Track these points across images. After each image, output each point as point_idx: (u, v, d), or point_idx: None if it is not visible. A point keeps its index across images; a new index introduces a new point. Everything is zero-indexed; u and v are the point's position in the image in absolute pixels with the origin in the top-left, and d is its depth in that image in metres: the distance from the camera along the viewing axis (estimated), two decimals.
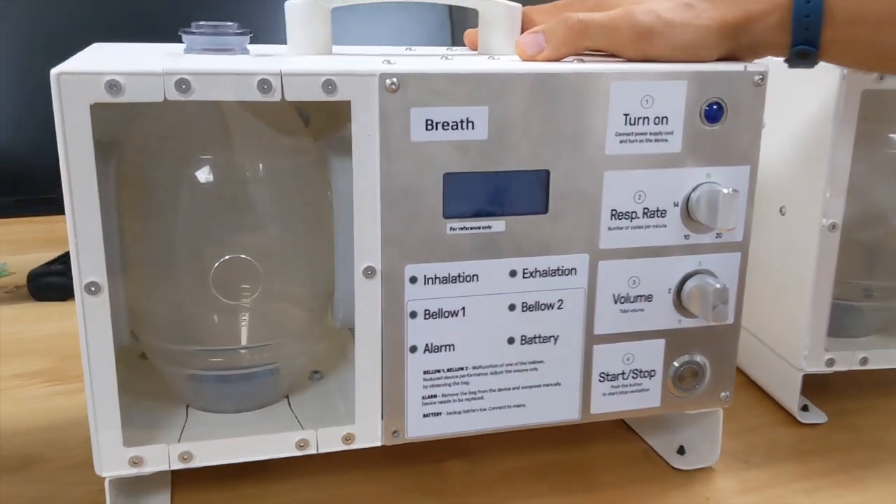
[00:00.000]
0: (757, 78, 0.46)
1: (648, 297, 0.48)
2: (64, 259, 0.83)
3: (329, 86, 0.40)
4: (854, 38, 0.45)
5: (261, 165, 0.46)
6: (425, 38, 0.95)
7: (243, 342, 0.49)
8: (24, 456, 0.53)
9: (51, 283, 0.79)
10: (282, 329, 0.50)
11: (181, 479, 0.49)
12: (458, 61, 0.45)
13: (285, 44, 0.48)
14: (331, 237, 0.47)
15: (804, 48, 0.45)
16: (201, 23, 0.47)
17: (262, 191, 0.47)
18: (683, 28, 0.45)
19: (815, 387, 0.59)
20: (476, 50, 0.53)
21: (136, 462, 0.43)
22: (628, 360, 0.49)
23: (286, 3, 0.48)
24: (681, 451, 0.54)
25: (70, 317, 0.77)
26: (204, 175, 0.45)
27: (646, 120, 0.45)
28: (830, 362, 0.57)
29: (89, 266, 0.40)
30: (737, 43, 0.46)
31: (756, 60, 0.47)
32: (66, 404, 0.59)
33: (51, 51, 0.75)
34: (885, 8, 0.44)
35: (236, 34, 0.46)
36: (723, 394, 0.51)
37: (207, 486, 0.49)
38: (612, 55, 0.47)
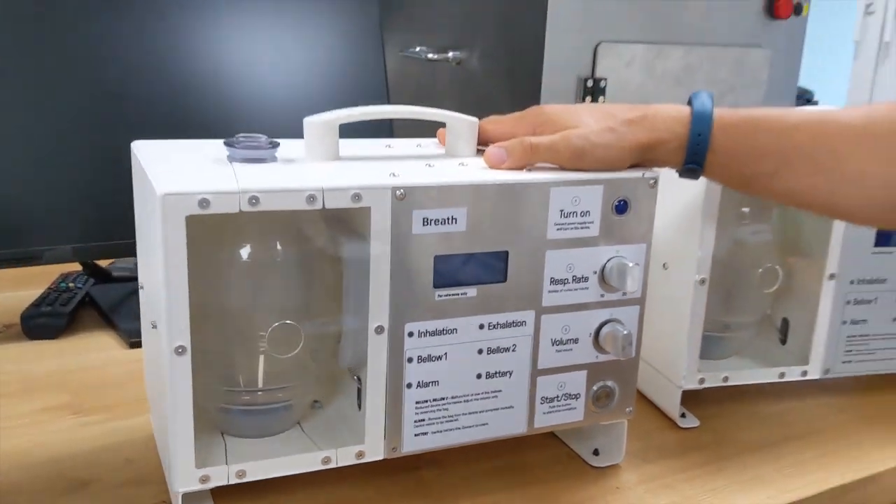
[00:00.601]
0: (651, 181, 0.64)
1: (575, 340, 0.65)
2: (51, 299, 0.93)
3: (356, 197, 0.55)
4: (727, 165, 0.63)
5: (295, 249, 0.61)
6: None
7: (270, 385, 0.63)
8: (78, 479, 0.65)
9: (43, 323, 0.89)
10: (297, 374, 0.64)
11: (218, 492, 0.63)
12: (442, 170, 0.61)
13: None
14: (336, 302, 0.61)
15: (692, 167, 0.63)
16: (241, 137, 0.60)
17: (295, 269, 0.61)
18: (607, 149, 0.62)
19: (690, 399, 0.78)
20: (444, 146, 0.69)
21: (204, 479, 0.56)
22: (561, 386, 0.66)
23: (305, 120, 0.62)
24: (595, 452, 0.72)
25: (65, 353, 0.87)
26: (257, 256, 0.59)
27: (574, 213, 0.62)
28: (701, 380, 0.77)
29: (178, 333, 0.53)
30: (644, 157, 0.63)
31: (656, 169, 0.65)
32: (97, 433, 0.71)
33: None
34: (749, 150, 0.62)
35: (269, 147, 0.60)
36: (627, 409, 0.69)
37: (239, 496, 0.63)
38: (555, 167, 0.64)
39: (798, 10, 1.17)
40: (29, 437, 0.70)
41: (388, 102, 1.01)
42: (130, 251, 0.93)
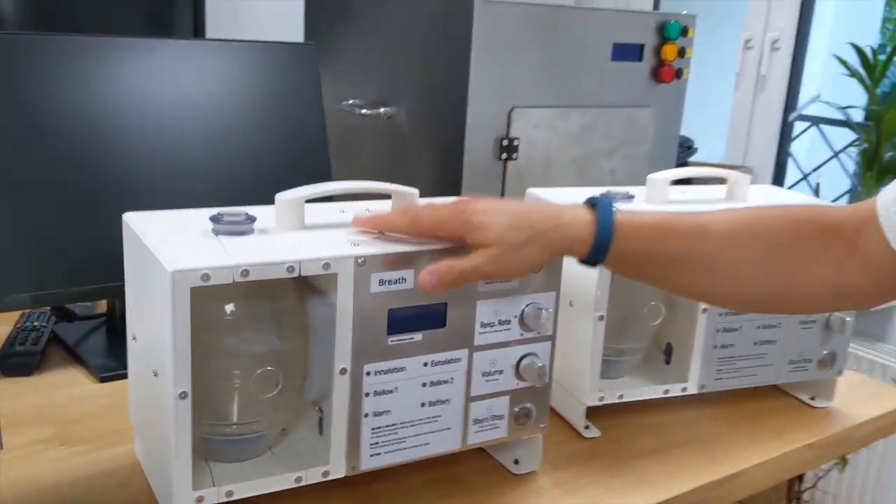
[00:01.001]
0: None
1: (501, 371, 0.80)
2: (21, 338, 1.02)
3: (326, 266, 0.68)
4: (623, 264, 0.76)
5: (268, 306, 0.73)
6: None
7: (248, 418, 0.75)
8: (88, 500, 0.75)
9: (18, 362, 0.98)
10: (269, 408, 0.76)
11: None
12: (391, 238, 0.74)
13: None
14: (301, 347, 0.74)
15: (592, 263, 0.75)
16: (225, 216, 0.72)
17: (269, 322, 0.73)
18: (521, 266, 0.73)
19: (593, 413, 0.94)
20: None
21: (199, 500, 0.68)
22: (489, 409, 0.80)
23: (276, 196, 0.75)
24: (516, 462, 0.86)
25: (41, 389, 0.96)
26: (237, 312, 0.71)
27: None
28: (601, 398, 0.92)
29: (182, 382, 0.65)
30: (553, 257, 0.77)
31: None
32: (87, 461, 0.81)
33: None
34: (642, 255, 0.75)
35: (247, 223, 0.72)
36: (542, 425, 0.84)
37: None
38: None
39: (679, 74, 1.35)
40: (26, 467, 0.80)
41: (327, 152, 1.14)
42: (87, 297, 1.03)
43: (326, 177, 1.13)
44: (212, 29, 1.81)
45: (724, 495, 0.89)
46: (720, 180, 1.02)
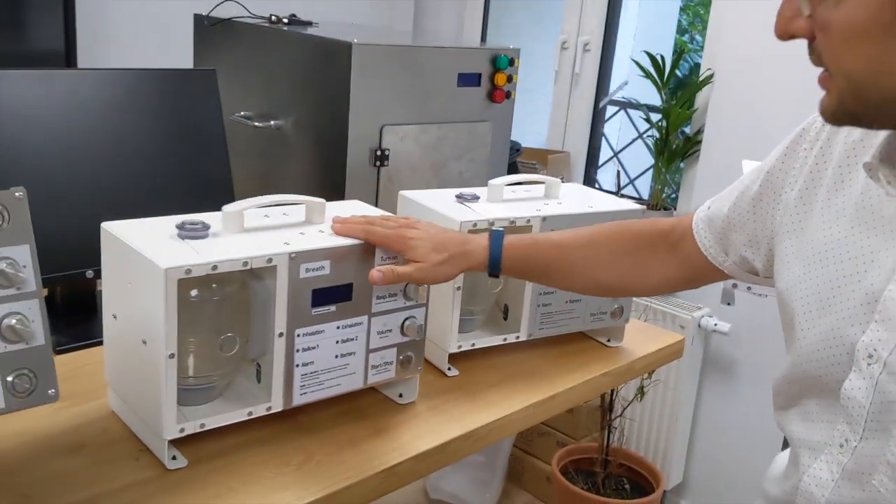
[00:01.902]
0: None
1: (390, 330, 1.10)
2: None
3: (269, 260, 0.96)
4: (513, 272, 1.10)
5: (222, 291, 0.99)
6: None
7: (209, 372, 1.01)
8: (72, 444, 0.99)
9: None
10: (224, 364, 1.03)
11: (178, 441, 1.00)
12: (311, 237, 1.02)
13: None
14: (244, 319, 1.01)
15: (492, 275, 1.09)
16: (187, 224, 0.98)
17: (229, 302, 1.00)
18: (438, 278, 1.06)
19: (454, 358, 1.26)
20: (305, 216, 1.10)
21: (181, 430, 0.95)
22: (382, 358, 1.10)
23: (224, 208, 1.01)
24: (400, 395, 1.17)
25: None
26: (200, 295, 0.97)
27: (388, 255, 1.06)
28: (459, 346, 1.25)
29: (171, 345, 0.91)
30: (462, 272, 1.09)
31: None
32: (70, 415, 1.04)
33: None
34: (524, 266, 1.09)
35: (204, 229, 0.98)
36: (419, 367, 1.15)
37: (195, 441, 1.00)
38: None
39: (508, 95, 1.69)
40: (20, 422, 1.02)
41: (229, 165, 1.38)
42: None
43: (229, 185, 1.38)
44: (82, 59, 1.93)
45: (545, 411, 1.25)
46: (540, 182, 1.36)
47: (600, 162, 3.06)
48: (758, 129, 2.27)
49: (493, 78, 1.69)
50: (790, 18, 0.71)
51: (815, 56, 0.71)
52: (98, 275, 1.23)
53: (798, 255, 0.85)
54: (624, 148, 3.07)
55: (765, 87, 2.26)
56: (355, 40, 1.45)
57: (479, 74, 1.66)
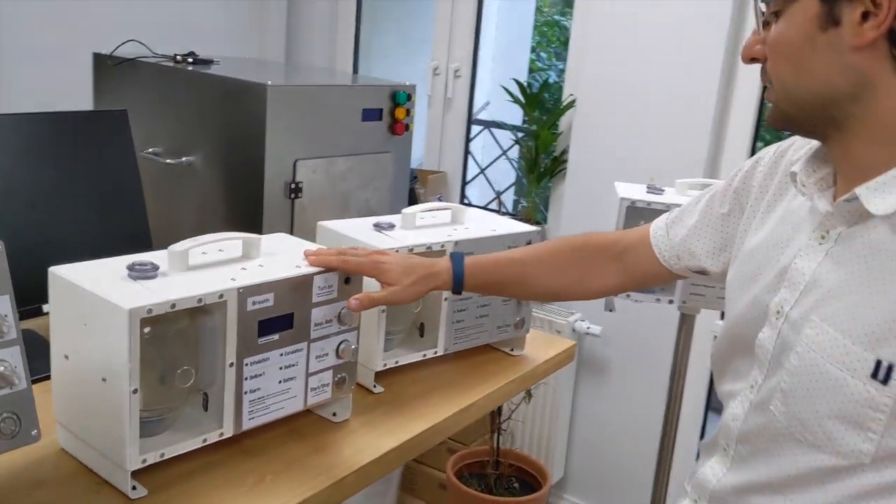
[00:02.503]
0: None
1: (327, 354, 1.18)
2: None
3: (220, 296, 1.02)
4: (475, 289, 1.25)
5: (173, 327, 1.05)
6: None
7: (162, 404, 1.06)
8: (35, 479, 1.01)
9: None
10: (175, 396, 1.08)
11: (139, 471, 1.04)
12: (254, 271, 1.09)
13: None
14: (193, 352, 1.07)
15: (456, 291, 1.21)
16: (136, 265, 1.03)
17: (180, 337, 1.05)
18: (408, 298, 1.17)
19: (379, 376, 1.36)
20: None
21: (143, 461, 1.00)
22: (320, 380, 1.19)
23: (169, 247, 1.07)
24: (334, 414, 1.25)
25: None
26: (153, 333, 1.02)
27: (325, 287, 1.15)
28: (385, 364, 1.34)
29: (134, 381, 0.96)
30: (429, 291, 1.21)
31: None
32: (23, 451, 1.06)
33: None
34: (483, 282, 1.23)
35: (154, 269, 1.04)
36: (352, 387, 1.24)
37: (150, 470, 1.05)
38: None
39: (407, 127, 1.81)
40: None
41: (143, 202, 1.42)
42: None
43: (145, 224, 1.41)
44: None
45: (467, 417, 1.37)
46: (446, 208, 1.49)
47: (468, 178, 3.23)
48: (618, 149, 2.49)
49: (394, 112, 1.81)
50: (751, 46, 0.92)
51: (765, 76, 0.92)
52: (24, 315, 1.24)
53: (741, 252, 1.07)
54: (490, 164, 3.25)
55: (623, 111, 2.49)
56: (270, 82, 1.52)
57: (381, 109, 1.78)
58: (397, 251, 1.28)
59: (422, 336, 1.44)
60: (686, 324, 1.83)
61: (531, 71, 4.84)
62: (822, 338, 0.87)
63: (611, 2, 2.46)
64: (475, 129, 3.17)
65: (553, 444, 2.71)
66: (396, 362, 1.37)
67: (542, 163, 2.71)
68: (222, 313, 1.05)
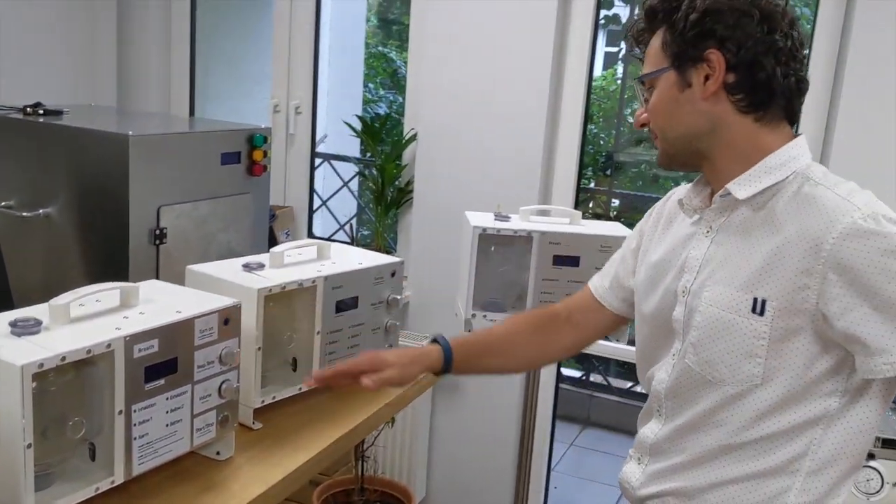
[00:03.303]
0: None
1: (210, 395, 1.22)
2: None
3: (108, 346, 1.04)
4: (461, 370, 1.37)
5: (58, 380, 1.05)
6: None
7: (48, 458, 1.06)
8: None
9: None
10: (64, 449, 1.08)
11: None
12: (135, 319, 1.12)
13: None
14: (79, 405, 1.08)
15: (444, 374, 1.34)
16: (19, 322, 1.03)
17: (66, 389, 1.06)
18: (406, 382, 1.34)
19: (258, 412, 1.40)
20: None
21: None
22: (205, 420, 1.22)
23: (50, 302, 1.07)
24: (218, 453, 1.28)
25: None
26: (38, 388, 1.03)
27: (206, 330, 1.19)
28: (262, 401, 1.38)
29: (28, 435, 0.96)
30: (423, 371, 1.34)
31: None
32: None
33: None
34: (467, 363, 1.36)
35: (36, 325, 1.04)
36: (235, 425, 1.28)
37: None
38: None
39: (264, 169, 1.86)
40: None
41: (2, 258, 1.39)
42: None
43: (4, 278, 1.39)
44: None
45: (348, 443, 1.44)
46: (312, 244, 1.55)
47: (314, 207, 3.29)
48: (461, 179, 2.64)
49: (251, 154, 1.85)
50: (639, 116, 1.23)
51: (652, 132, 1.22)
52: None
53: (644, 264, 1.32)
54: (332, 196, 3.32)
55: (463, 142, 2.64)
56: (131, 132, 1.53)
57: (239, 152, 1.82)
58: (270, 290, 1.34)
59: (294, 370, 1.50)
60: None
61: (364, 102, 4.97)
62: (715, 295, 1.15)
63: (441, 38, 2.62)
64: (315, 161, 3.23)
65: (414, 465, 2.80)
66: (274, 398, 1.42)
67: (388, 194, 2.82)
68: (108, 363, 1.07)
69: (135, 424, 1.11)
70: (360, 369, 1.27)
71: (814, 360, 1.09)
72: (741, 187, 1.16)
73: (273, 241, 2.41)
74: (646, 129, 1.23)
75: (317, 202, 3.27)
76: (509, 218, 1.87)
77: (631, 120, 3.50)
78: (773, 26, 1.12)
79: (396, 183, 2.85)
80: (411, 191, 2.80)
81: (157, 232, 1.61)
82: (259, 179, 1.90)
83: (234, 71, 3.59)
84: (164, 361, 1.14)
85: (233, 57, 3.57)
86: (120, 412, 1.08)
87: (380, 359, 1.30)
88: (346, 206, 3.42)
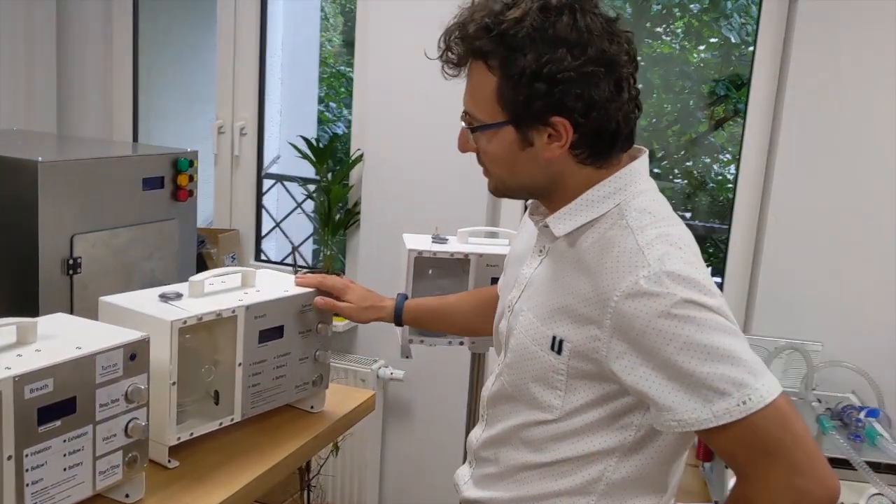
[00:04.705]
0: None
1: (115, 435, 1.15)
2: None
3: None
4: (412, 323, 1.56)
5: None
6: None
7: None
8: None
9: None
10: None
11: None
12: (33, 356, 1.05)
13: None
14: None
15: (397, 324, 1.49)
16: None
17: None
18: (361, 318, 1.52)
19: (175, 450, 1.33)
20: None
21: None
22: (109, 462, 1.15)
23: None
24: (127, 496, 1.21)
25: None
26: None
27: (109, 366, 1.12)
28: (179, 438, 1.32)
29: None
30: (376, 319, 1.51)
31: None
32: None
33: None
34: (418, 320, 1.49)
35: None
36: (144, 464, 1.21)
37: None
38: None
39: (191, 194, 1.80)
40: None
41: None
42: None
43: None
44: None
45: (269, 480, 1.37)
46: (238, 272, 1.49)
47: (263, 233, 3.22)
48: (406, 200, 2.60)
49: (176, 179, 1.78)
50: (465, 142, 1.18)
51: (483, 165, 1.19)
52: None
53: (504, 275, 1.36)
54: (284, 218, 3.25)
55: (409, 163, 2.60)
56: (40, 158, 1.46)
57: (163, 177, 1.75)
58: (185, 321, 1.28)
59: (217, 403, 1.43)
60: (477, 362, 1.93)
61: (321, 122, 4.92)
62: (526, 322, 1.16)
63: (388, 57, 2.58)
64: (267, 183, 3.17)
65: (364, 493, 2.73)
66: (191, 434, 1.35)
67: (335, 215, 2.76)
68: None
69: (27, 470, 1.04)
70: (325, 287, 1.49)
71: (610, 398, 1.11)
72: (559, 222, 1.15)
73: (204, 268, 2.34)
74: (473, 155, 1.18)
75: (271, 224, 3.20)
76: (447, 240, 1.82)
77: None
78: (618, 76, 1.07)
79: (344, 204, 2.79)
80: (359, 212, 2.75)
81: (71, 262, 1.54)
82: (185, 205, 1.83)
83: (180, 92, 3.52)
84: (61, 402, 1.07)
85: (179, 77, 3.50)
86: (9, 458, 1.01)
87: (345, 289, 1.50)
88: (303, 229, 3.35)
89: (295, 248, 3.18)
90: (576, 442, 1.13)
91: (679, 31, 4.44)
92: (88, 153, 1.62)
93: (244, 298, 1.41)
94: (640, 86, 1.13)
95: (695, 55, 4.43)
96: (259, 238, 3.13)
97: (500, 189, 1.20)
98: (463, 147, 1.18)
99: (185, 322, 1.29)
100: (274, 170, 3.16)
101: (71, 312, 1.48)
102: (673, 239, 1.07)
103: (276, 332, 1.45)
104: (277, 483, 1.43)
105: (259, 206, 3.06)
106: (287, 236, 3.24)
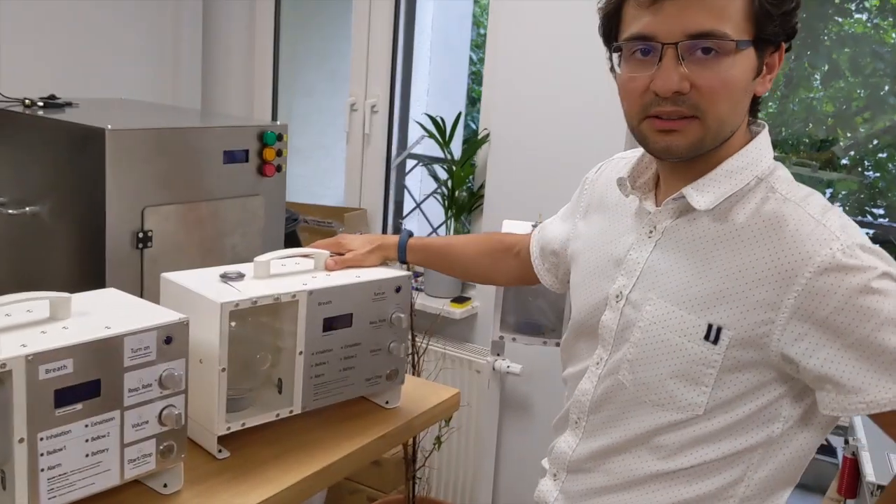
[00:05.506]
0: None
1: (147, 422, 1.08)
2: None
3: (4, 365, 0.92)
4: (417, 263, 1.49)
5: None
6: None
7: None
8: None
9: None
10: None
11: None
12: (38, 340, 0.99)
13: None
14: None
15: (402, 263, 1.43)
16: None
17: None
18: (366, 262, 1.42)
19: (225, 439, 1.26)
20: None
21: None
22: (140, 451, 1.08)
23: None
24: (165, 486, 1.15)
25: None
26: None
27: (140, 349, 1.05)
28: (228, 427, 1.24)
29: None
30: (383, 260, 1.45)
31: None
32: None
33: None
34: (423, 260, 1.46)
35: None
36: (182, 455, 1.13)
37: None
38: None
39: (279, 169, 1.72)
40: None
41: None
42: None
43: None
44: None
45: (322, 481, 1.27)
46: (308, 256, 1.40)
47: (405, 213, 3.16)
48: (532, 183, 2.43)
49: (262, 153, 1.72)
50: (678, 81, 0.98)
51: (685, 107, 0.99)
52: None
53: (577, 253, 1.25)
54: (425, 199, 3.18)
55: (536, 144, 2.42)
56: (109, 126, 1.43)
57: (247, 151, 1.69)
58: (237, 304, 1.19)
59: (280, 392, 1.34)
60: None
61: (473, 103, 4.80)
62: (660, 312, 1.05)
63: (518, 36, 2.41)
64: (410, 163, 3.10)
65: (478, 486, 2.61)
66: (243, 424, 1.27)
67: (459, 197, 2.64)
68: (9, 384, 0.94)
69: (42, 454, 0.98)
70: (329, 247, 1.41)
71: (762, 389, 1.01)
72: (700, 194, 1.03)
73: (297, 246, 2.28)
74: (662, 100, 0.99)
75: (410, 205, 3.14)
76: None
77: None
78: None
79: (469, 186, 2.66)
80: (483, 195, 2.61)
81: (140, 235, 1.50)
82: (272, 180, 1.76)
83: (322, 68, 3.51)
84: (83, 384, 1.01)
85: (322, 53, 3.50)
86: (21, 440, 0.96)
87: (344, 242, 1.43)
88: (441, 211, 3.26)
89: (434, 230, 3.09)
90: (718, 442, 1.04)
91: (874, 6, 3.97)
92: (162, 122, 1.58)
93: (309, 283, 1.30)
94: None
95: (894, 35, 3.96)
96: (397, 215, 3.07)
97: (705, 139, 1.01)
98: (675, 86, 0.98)
99: (237, 305, 1.20)
100: (418, 150, 3.08)
101: (140, 288, 1.45)
102: (837, 210, 1.00)
103: (345, 321, 1.34)
104: (386, 470, 1.32)
105: (387, 186, 2.99)
106: (427, 218, 3.15)
